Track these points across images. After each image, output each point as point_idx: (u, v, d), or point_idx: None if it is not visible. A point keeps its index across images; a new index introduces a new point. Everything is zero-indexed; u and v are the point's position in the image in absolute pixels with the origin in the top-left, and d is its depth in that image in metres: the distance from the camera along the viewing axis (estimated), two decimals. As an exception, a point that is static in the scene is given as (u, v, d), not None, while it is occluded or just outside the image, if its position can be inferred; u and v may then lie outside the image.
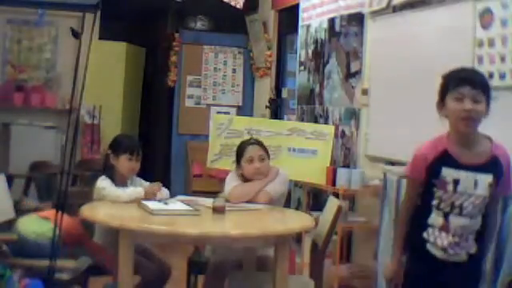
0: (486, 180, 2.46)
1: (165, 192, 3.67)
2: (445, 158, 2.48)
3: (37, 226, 3.58)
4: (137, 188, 3.55)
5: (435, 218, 2.51)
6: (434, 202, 2.51)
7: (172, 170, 7.62)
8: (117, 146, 3.69)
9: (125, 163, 3.64)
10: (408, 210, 2.64)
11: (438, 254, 2.51)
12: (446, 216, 2.49)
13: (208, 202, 3.47)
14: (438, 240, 2.50)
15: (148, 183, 3.73)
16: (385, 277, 2.72)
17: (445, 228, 2.49)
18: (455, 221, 2.47)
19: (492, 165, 2.47)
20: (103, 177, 3.58)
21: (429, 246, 2.52)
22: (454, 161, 2.46)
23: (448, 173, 2.47)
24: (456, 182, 2.46)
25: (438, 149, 2.50)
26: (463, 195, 2.46)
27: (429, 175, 2.51)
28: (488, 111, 2.46)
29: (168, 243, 3.71)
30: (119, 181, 3.61)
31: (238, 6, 6.48)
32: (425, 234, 2.53)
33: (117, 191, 3.50)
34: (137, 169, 3.71)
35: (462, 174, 2.46)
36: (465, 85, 2.42)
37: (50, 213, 3.67)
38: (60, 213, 3.28)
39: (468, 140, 2.49)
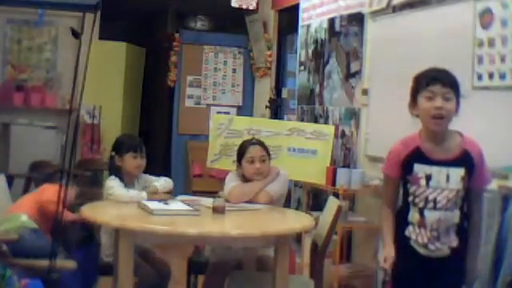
0: (459, 174, 2.52)
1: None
2: (417, 155, 2.55)
3: (8, 223, 3.54)
4: (141, 193, 3.54)
5: (413, 215, 2.57)
6: (410, 199, 2.57)
7: (172, 170, 7.62)
8: (120, 147, 3.69)
9: (130, 162, 3.65)
10: (387, 207, 2.66)
11: (421, 251, 2.56)
12: (421, 211, 2.54)
13: (208, 201, 3.47)
14: (418, 237, 2.56)
15: (156, 179, 3.75)
16: (382, 263, 2.66)
17: (422, 224, 2.54)
18: (430, 215, 2.53)
19: (464, 159, 2.53)
20: (112, 177, 3.60)
21: (412, 243, 2.58)
22: (426, 157, 2.53)
23: (420, 168, 2.54)
24: (428, 177, 2.53)
25: (410, 146, 2.57)
26: (436, 189, 2.52)
27: (403, 172, 2.57)
28: (458, 109, 2.51)
29: (168, 243, 3.70)
30: (127, 181, 3.63)
31: (250, 8, 6.49)
32: (406, 232, 2.59)
33: (118, 191, 3.50)
34: (143, 165, 3.72)
35: (434, 169, 2.52)
36: (435, 83, 2.48)
37: (19, 206, 3.70)
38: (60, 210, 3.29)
39: (439, 137, 2.54)
